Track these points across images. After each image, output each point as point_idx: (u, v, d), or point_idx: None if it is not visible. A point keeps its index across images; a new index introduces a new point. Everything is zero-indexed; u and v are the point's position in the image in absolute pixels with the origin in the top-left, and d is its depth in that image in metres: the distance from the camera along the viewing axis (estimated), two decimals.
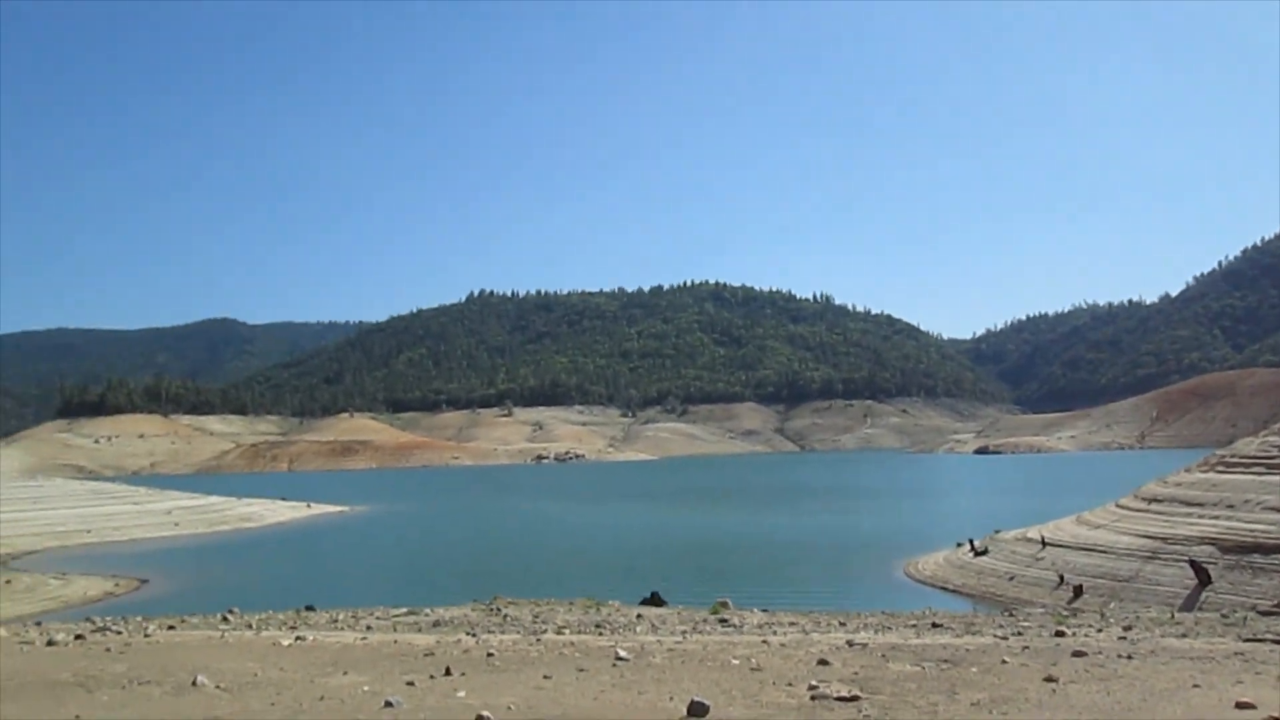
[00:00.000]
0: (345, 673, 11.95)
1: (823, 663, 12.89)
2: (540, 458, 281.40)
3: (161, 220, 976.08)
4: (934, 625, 21.62)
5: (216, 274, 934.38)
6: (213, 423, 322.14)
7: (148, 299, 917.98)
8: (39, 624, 24.60)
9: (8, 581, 52.67)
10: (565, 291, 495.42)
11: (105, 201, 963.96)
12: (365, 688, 10.56)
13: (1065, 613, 28.58)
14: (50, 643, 15.18)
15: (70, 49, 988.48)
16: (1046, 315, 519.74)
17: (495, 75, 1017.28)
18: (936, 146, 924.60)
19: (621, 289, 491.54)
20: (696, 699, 9.12)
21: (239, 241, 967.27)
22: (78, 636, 16.65)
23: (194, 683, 10.72)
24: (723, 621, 22.95)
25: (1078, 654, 13.89)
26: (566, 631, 19.99)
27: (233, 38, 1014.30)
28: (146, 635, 18.28)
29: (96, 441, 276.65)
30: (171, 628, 21.48)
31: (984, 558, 48.29)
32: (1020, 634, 18.78)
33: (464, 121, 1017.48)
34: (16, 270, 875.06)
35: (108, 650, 14.17)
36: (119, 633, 18.87)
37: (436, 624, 22.87)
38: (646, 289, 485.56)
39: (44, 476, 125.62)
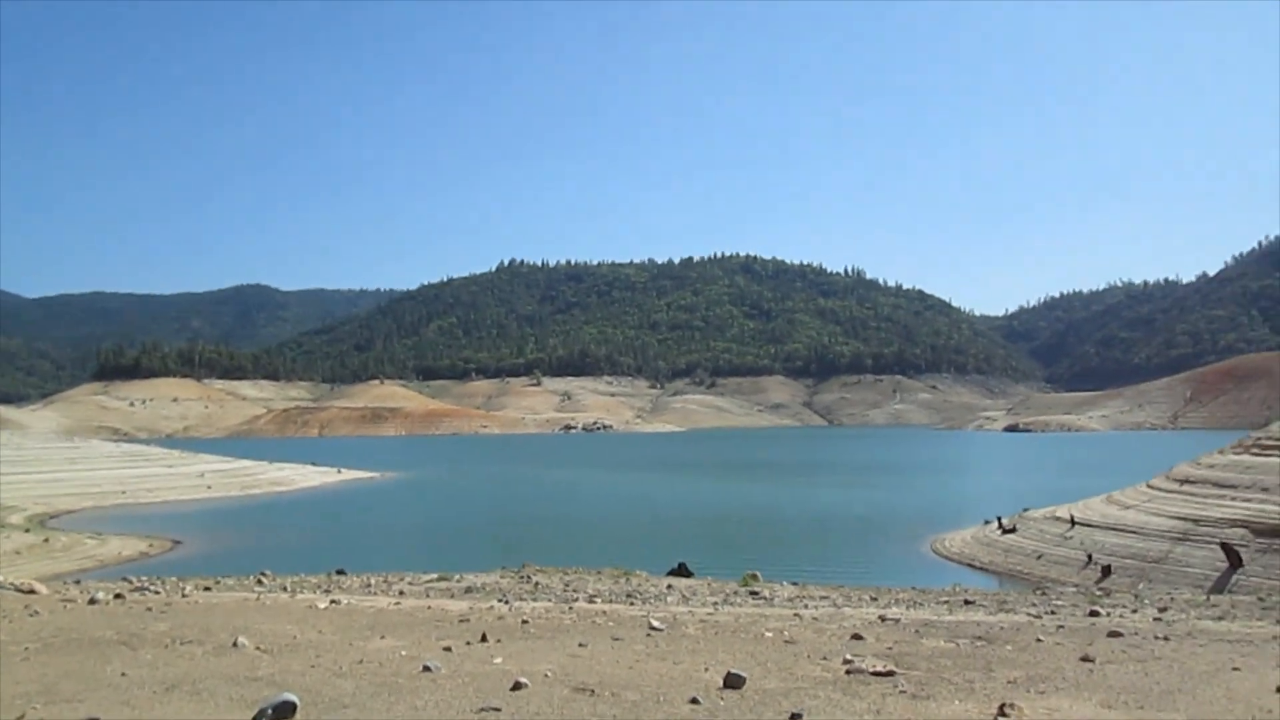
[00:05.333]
0: (382, 636, 12.06)
1: (856, 637, 12.87)
2: (568, 427, 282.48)
3: (196, 185, 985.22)
4: (966, 602, 21.56)
5: (250, 240, 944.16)
6: (245, 388, 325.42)
7: (182, 264, 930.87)
8: (78, 582, 24.98)
9: (45, 540, 53.65)
10: (595, 262, 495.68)
11: (142, 166, 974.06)
12: (403, 652, 10.65)
13: (1097, 592, 28.43)
14: (92, 601, 15.39)
15: (100, 8, 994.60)
16: (1080, 293, 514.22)
17: (528, 42, 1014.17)
18: (971, 122, 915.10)
19: (651, 260, 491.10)
20: (733, 670, 9.12)
21: (272, 208, 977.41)
22: (117, 595, 16.88)
23: (234, 643, 10.84)
24: (753, 594, 22.99)
25: (1113, 634, 13.78)
26: (598, 600, 20.09)
27: None
28: (184, 595, 18.52)
29: (131, 404, 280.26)
30: (208, 589, 21.78)
31: (1012, 536, 48.13)
32: (1054, 613, 18.69)
33: (497, 89, 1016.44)
34: (54, 234, 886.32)
35: (149, 609, 14.36)
36: (157, 592, 19.13)
37: (468, 590, 23.04)
38: (676, 260, 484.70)
39: (80, 438, 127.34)
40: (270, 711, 7.53)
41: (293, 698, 7.72)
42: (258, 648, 10.78)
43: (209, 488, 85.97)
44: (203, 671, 9.30)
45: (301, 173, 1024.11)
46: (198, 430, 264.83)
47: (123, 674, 9.14)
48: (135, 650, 10.47)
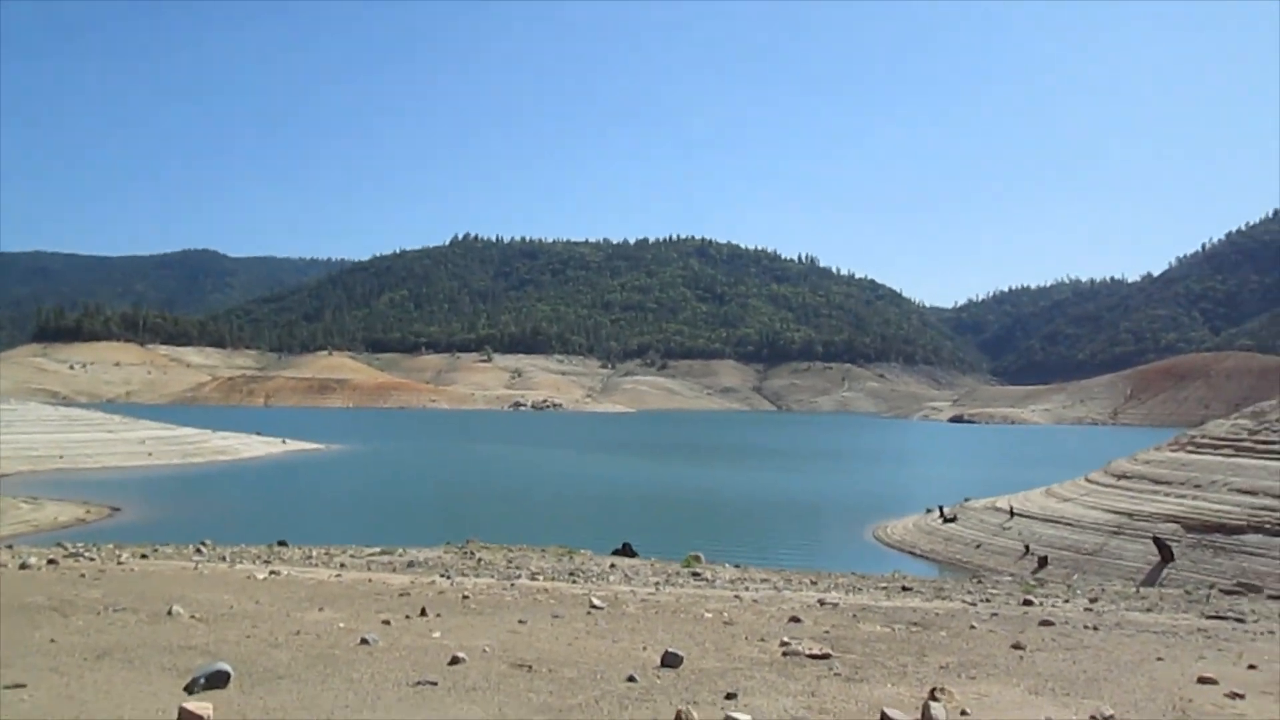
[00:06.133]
0: (321, 609, 11.98)
1: (794, 620, 13.03)
2: (518, 405, 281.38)
3: (146, 147, 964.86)
4: (904, 588, 21.92)
5: (199, 204, 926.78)
6: (190, 354, 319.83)
7: (129, 226, 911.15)
8: (10, 547, 24.54)
9: None
10: (550, 239, 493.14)
11: (91, 125, 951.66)
12: (341, 624, 10.59)
13: (1032, 582, 29.00)
14: (23, 566, 15.14)
15: None
16: (1029, 288, 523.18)
17: (486, 20, 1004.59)
18: (929, 114, 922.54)
19: (606, 240, 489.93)
20: (670, 650, 9.19)
21: (223, 172, 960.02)
22: (51, 561, 16.61)
23: (169, 612, 10.71)
24: (695, 575, 23.16)
25: (1045, 623, 14.10)
26: (540, 578, 20.12)
27: None
28: (120, 563, 18.26)
29: (72, 368, 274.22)
30: (145, 556, 21.49)
31: (952, 525, 48.86)
32: (988, 601, 19.05)
33: (456, 62, 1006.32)
34: None
35: (82, 576, 14.15)
36: (92, 559, 18.85)
37: (411, 565, 22.96)
38: (632, 241, 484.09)
39: (17, 400, 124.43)
40: (203, 680, 7.46)
41: (226, 667, 7.65)
42: (193, 616, 10.67)
43: (150, 455, 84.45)
44: (135, 639, 9.19)
45: (253, 138, 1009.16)
46: (140, 396, 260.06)
47: (52, 640, 9.00)
48: (67, 617, 10.31)
